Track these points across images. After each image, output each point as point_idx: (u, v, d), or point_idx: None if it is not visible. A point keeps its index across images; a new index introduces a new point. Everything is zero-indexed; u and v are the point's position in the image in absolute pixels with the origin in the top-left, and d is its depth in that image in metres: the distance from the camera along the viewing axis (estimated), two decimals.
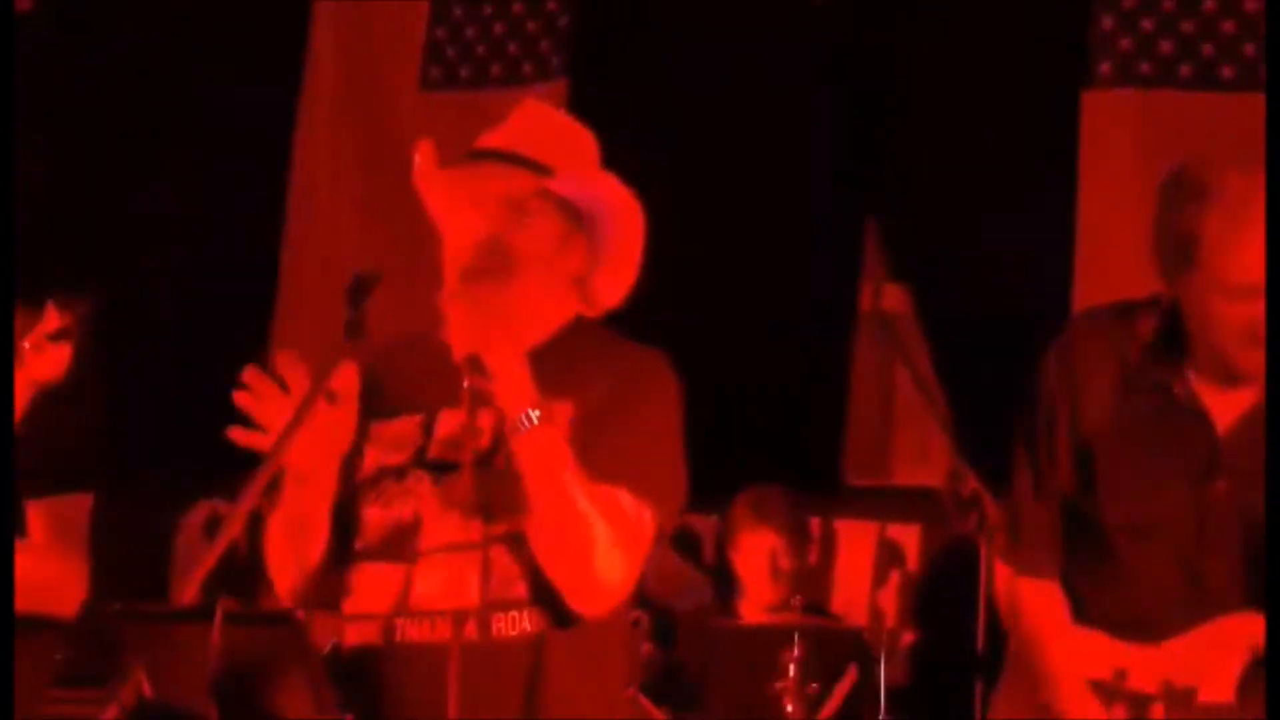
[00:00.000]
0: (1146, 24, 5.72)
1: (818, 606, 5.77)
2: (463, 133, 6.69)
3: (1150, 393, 3.16)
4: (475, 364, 2.70)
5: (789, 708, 5.14)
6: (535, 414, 2.69)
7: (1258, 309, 2.98)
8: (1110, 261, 5.72)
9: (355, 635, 2.84)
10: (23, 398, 2.92)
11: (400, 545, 2.82)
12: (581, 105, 6.14)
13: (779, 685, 5.15)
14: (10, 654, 3.03)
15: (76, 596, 3.30)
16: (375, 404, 2.93)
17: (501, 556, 2.76)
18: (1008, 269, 5.76)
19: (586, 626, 2.79)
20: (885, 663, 5.34)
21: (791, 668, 5.14)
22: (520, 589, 2.77)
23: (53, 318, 2.87)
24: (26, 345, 2.89)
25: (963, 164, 5.85)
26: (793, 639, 5.18)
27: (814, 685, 5.16)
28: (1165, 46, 5.74)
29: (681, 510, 2.96)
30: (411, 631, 2.78)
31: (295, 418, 2.74)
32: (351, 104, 6.67)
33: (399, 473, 2.86)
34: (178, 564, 6.52)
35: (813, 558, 5.94)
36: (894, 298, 6.19)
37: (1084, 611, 3.21)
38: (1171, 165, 3.19)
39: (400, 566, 2.81)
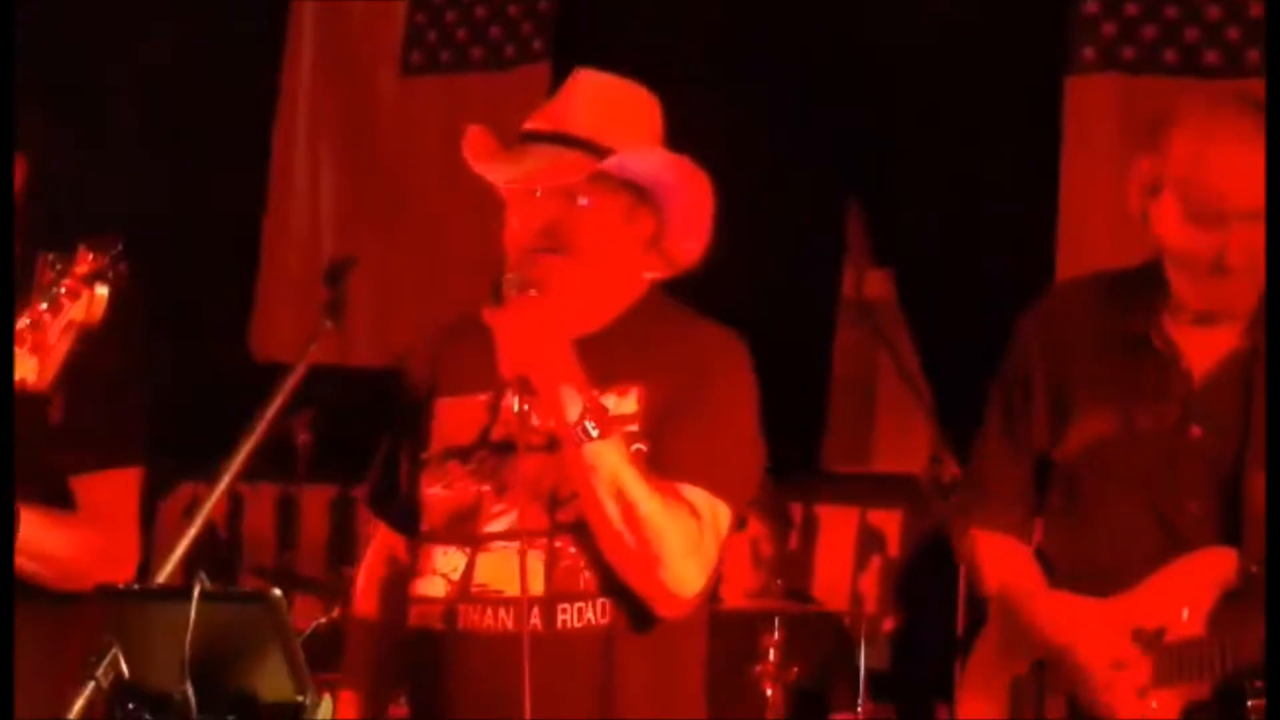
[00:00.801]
0: (1130, 9, 5.73)
1: (799, 592, 5.77)
2: (443, 117, 6.71)
3: (1127, 341, 3.17)
4: (524, 385, 2.67)
5: (769, 692, 5.14)
6: (593, 426, 2.64)
7: (1224, 238, 3.00)
8: (1093, 246, 5.72)
9: (418, 618, 2.83)
10: (63, 344, 2.89)
11: (463, 529, 2.79)
12: None
13: (759, 669, 5.16)
14: (10, 653, 3.03)
15: (127, 572, 3.29)
16: (442, 383, 2.90)
17: (567, 546, 2.73)
18: (991, 255, 5.76)
19: (657, 620, 2.76)
20: (866, 647, 5.35)
21: (772, 652, 5.14)
22: (587, 580, 2.74)
23: (85, 259, 2.84)
24: (61, 289, 2.85)
25: (946, 149, 5.84)
26: (774, 623, 5.19)
27: (795, 670, 5.17)
28: (1149, 32, 5.74)
29: (755, 495, 2.95)
30: (473, 618, 2.75)
31: (276, 395, 2.73)
32: (332, 88, 6.66)
33: (464, 454, 2.82)
34: (158, 547, 6.51)
35: (793, 543, 5.94)
36: (877, 284, 6.19)
37: (1052, 573, 3.22)
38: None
39: (463, 551, 2.78)
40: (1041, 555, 3.27)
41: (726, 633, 5.47)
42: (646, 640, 2.76)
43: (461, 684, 2.75)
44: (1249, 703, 2.93)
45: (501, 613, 2.72)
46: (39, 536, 3.15)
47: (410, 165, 6.44)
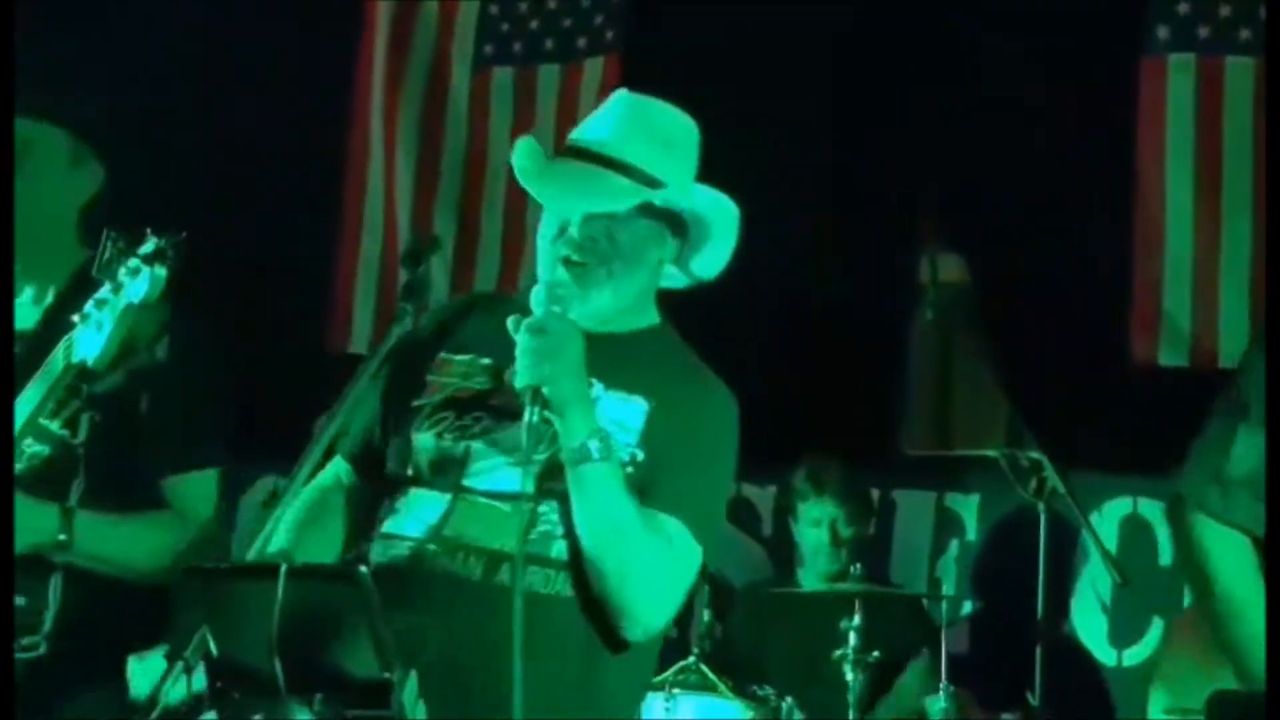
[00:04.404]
0: None
1: (877, 576, 5.76)
2: (516, 107, 6.72)
3: None
4: (537, 396, 2.71)
5: (849, 676, 5.14)
6: (597, 446, 2.73)
7: None
8: (1168, 228, 5.69)
9: (384, 554, 2.87)
10: (123, 323, 2.99)
11: (445, 475, 2.85)
12: (635, 79, 6.11)
13: (839, 653, 5.16)
14: (10, 654, 3.09)
15: None
16: (447, 341, 2.97)
17: (551, 514, 2.80)
18: (1066, 237, 5.73)
19: None
20: (945, 631, 5.34)
21: (852, 635, 5.14)
22: (560, 550, 2.80)
23: (149, 240, 2.93)
24: (123, 268, 2.95)
25: (1020, 131, 5.81)
26: (853, 607, 5.19)
27: (874, 653, 5.17)
28: (1224, 10, 5.70)
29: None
30: (442, 562, 2.80)
31: (352, 385, 2.76)
32: (406, 80, 6.69)
33: (460, 407, 2.89)
34: (240, 543, 6.56)
35: (872, 528, 5.93)
36: (951, 267, 6.17)
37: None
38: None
39: (442, 496, 2.84)
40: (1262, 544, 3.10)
41: (805, 617, 5.49)
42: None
43: (416, 624, 2.74)
44: None
45: (472, 560, 2.78)
46: (124, 548, 3.26)
47: (484, 156, 6.48)
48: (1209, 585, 3.13)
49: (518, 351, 2.74)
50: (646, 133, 2.94)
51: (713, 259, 3.00)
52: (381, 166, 6.68)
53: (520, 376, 2.73)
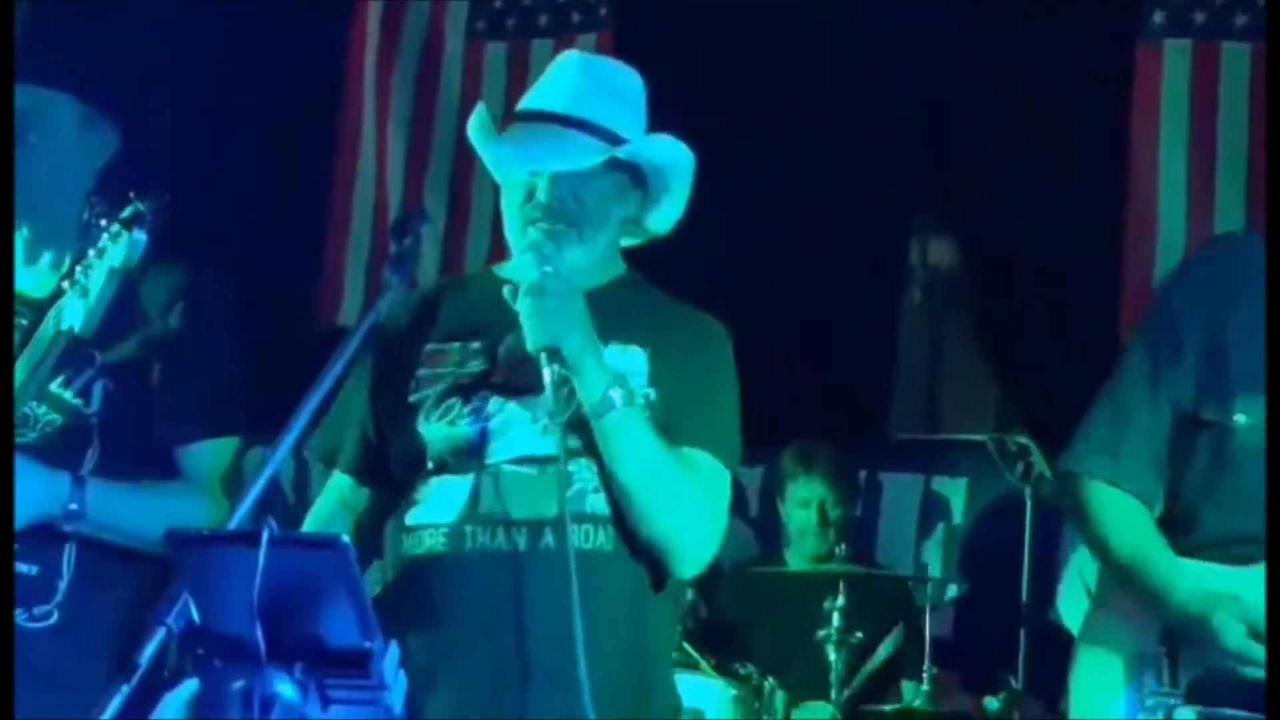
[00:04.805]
0: None
1: (863, 558, 5.77)
2: (509, 82, 6.70)
3: None
4: (554, 355, 2.75)
5: (831, 656, 5.15)
6: (618, 395, 2.76)
7: None
8: (1161, 214, 5.69)
9: (419, 545, 2.89)
10: (107, 289, 2.98)
11: (467, 459, 2.86)
12: (627, 54, 6.09)
13: (822, 633, 5.17)
14: (10, 653, 3.07)
15: None
16: (430, 331, 2.98)
17: (581, 471, 2.82)
18: (1058, 223, 5.73)
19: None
20: (930, 614, 5.35)
21: (835, 616, 5.15)
22: (596, 503, 2.83)
23: (129, 204, 2.92)
24: (104, 232, 2.94)
25: (1014, 117, 5.80)
26: (837, 587, 5.20)
27: (858, 634, 5.18)
28: None
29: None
30: (481, 539, 2.82)
31: (341, 353, 2.75)
32: (399, 54, 6.67)
33: (465, 391, 2.90)
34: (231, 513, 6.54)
35: (858, 510, 5.94)
36: (941, 251, 6.17)
37: (1189, 536, 3.04)
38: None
39: (466, 479, 2.86)
40: (1176, 519, 3.09)
41: (790, 596, 5.50)
42: (640, 576, 2.88)
43: (466, 603, 2.81)
44: None
45: (513, 533, 2.81)
46: (138, 518, 3.24)
47: None
48: (1109, 547, 3.11)
49: (522, 317, 2.77)
50: (601, 90, 2.97)
51: (669, 211, 3.03)
52: (373, 141, 6.66)
53: (532, 340, 2.76)
